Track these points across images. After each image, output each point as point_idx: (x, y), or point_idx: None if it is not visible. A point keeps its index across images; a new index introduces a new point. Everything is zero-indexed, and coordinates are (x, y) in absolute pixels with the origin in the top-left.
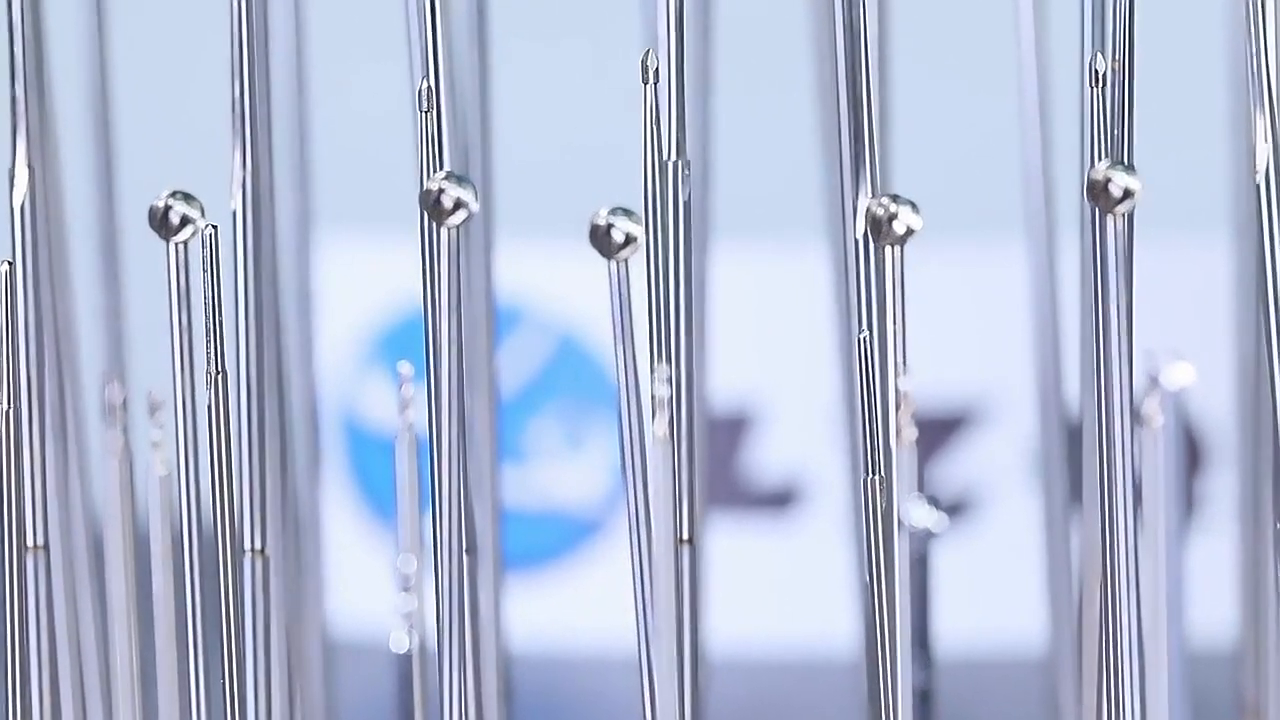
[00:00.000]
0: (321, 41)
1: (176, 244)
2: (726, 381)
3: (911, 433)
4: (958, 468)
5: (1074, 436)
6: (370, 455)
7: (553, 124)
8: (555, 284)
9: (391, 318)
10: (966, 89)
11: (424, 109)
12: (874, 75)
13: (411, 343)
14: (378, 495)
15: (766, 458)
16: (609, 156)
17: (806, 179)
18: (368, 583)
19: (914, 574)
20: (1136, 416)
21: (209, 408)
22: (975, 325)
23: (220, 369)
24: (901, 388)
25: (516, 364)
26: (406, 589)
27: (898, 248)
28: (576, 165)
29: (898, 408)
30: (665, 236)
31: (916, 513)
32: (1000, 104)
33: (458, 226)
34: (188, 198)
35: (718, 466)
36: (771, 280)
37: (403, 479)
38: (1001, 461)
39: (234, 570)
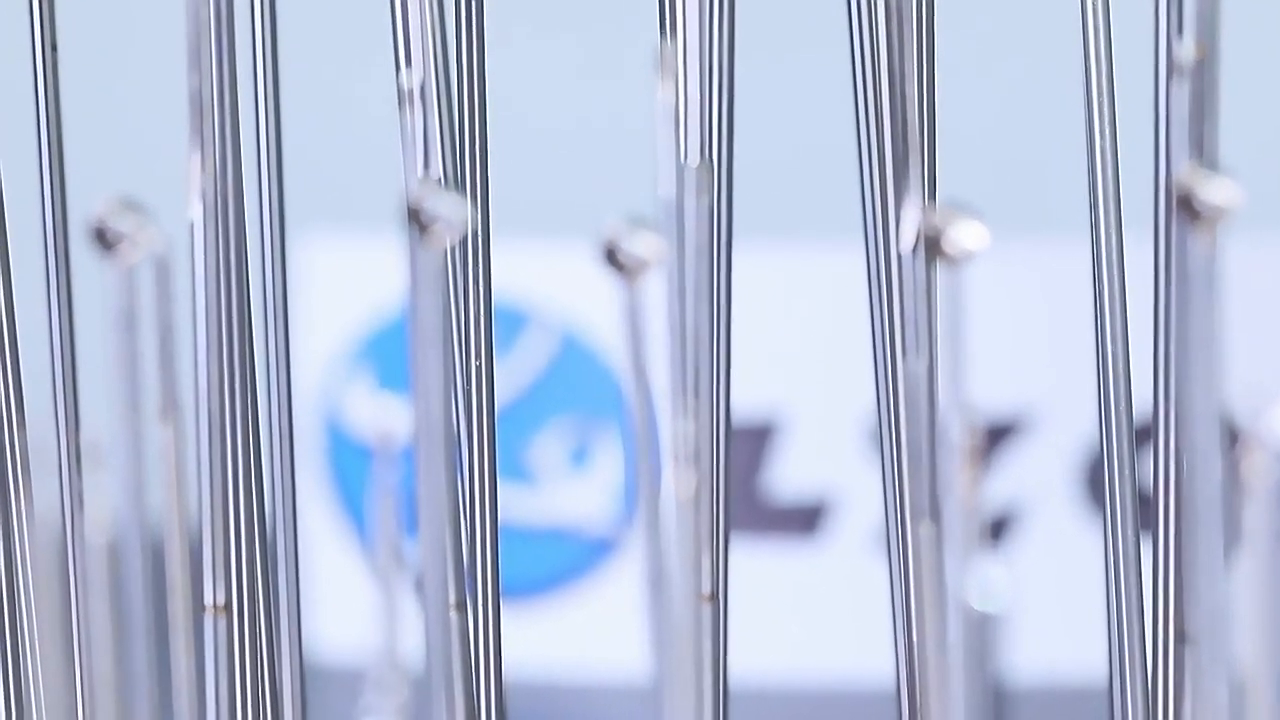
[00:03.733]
0: (299, 29)
1: (123, 264)
2: (748, 388)
3: (975, 492)
4: (1002, 481)
5: (1138, 444)
6: (353, 465)
7: (555, 116)
8: (558, 284)
9: (379, 319)
10: (1018, 79)
11: (410, 106)
12: (921, 63)
13: (402, 346)
14: (360, 509)
15: (792, 471)
16: (615, 151)
17: (834, 175)
18: (350, 604)
19: (980, 649)
20: (1230, 470)
21: (162, 448)
22: (1018, 331)
23: (175, 404)
24: (963, 437)
25: (518, 370)
26: (389, 668)
27: (954, 269)
28: (580, 159)
29: (960, 463)
30: (685, 248)
31: (978, 588)
32: (1056, 97)
33: (445, 244)
34: (134, 209)
35: (739, 481)
36: (796, 281)
37: (382, 541)
38: (1046, 473)
39: (195, 629)
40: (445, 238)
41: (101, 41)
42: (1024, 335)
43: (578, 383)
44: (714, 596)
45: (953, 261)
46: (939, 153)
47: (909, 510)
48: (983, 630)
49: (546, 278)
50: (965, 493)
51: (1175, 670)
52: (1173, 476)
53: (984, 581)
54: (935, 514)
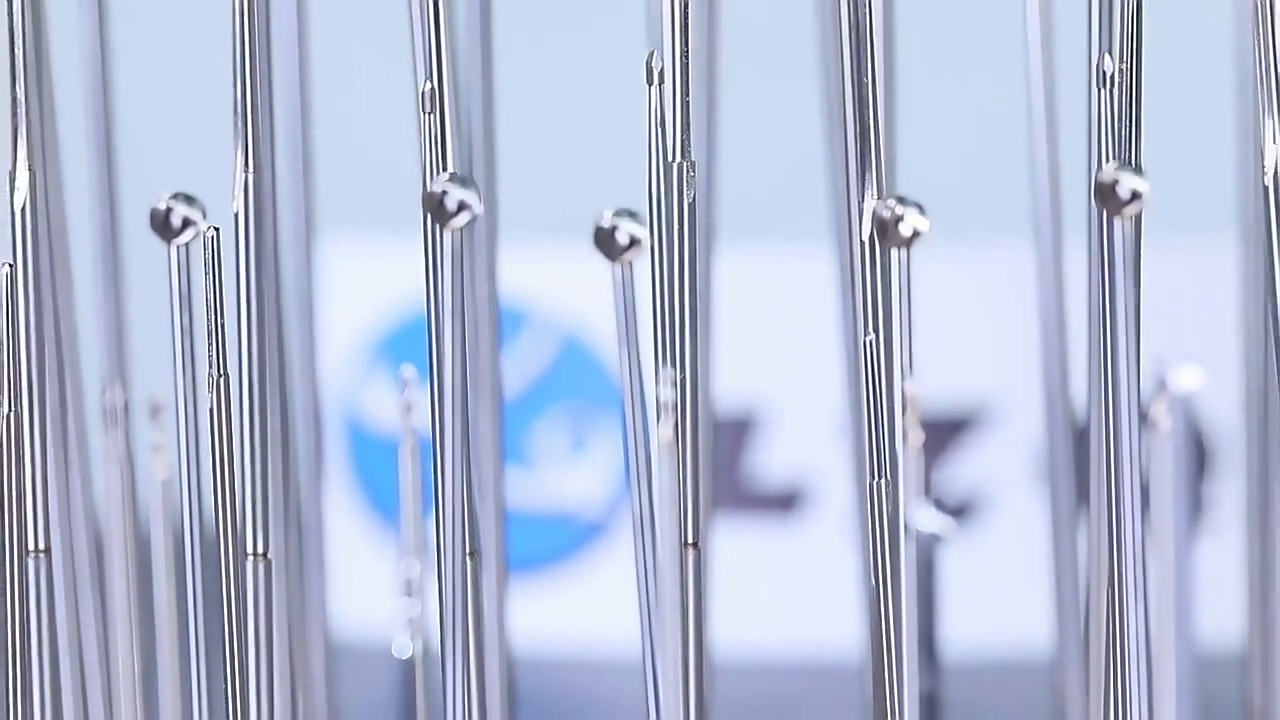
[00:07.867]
0: (324, 42)
1: (178, 246)
2: (731, 383)
3: (918, 436)
4: (962, 470)
5: (1080, 439)
6: (373, 457)
7: (556, 124)
8: (559, 285)
9: (396, 319)
10: (971, 89)
11: (427, 110)
12: (879, 74)
13: (416, 344)
14: (381, 497)
15: (771, 459)
16: (613, 157)
17: (811, 180)
18: (371, 585)
19: (920, 579)
20: (1144, 420)
21: (211, 411)
22: (979, 326)
23: (222, 372)
24: (908, 391)
25: (521, 365)
26: (409, 594)
27: (904, 250)
28: (580, 165)
29: (904, 411)
30: (670, 239)
31: (922, 517)
32: (1005, 104)
33: (461, 229)
34: (189, 200)
35: (722, 468)
36: (776, 280)
37: (406, 483)
38: (1006, 464)
39: (236, 574)
40: (462, 224)
41: (156, 58)
42: (991, 332)
43: (576, 376)
44: (695, 544)
45: (903, 244)
46: (925, 173)
47: (875, 469)
48: (929, 549)
49: (549, 278)
50: (912, 444)
51: (1108, 618)
52: (1103, 445)
53: (926, 515)
54: (893, 467)
